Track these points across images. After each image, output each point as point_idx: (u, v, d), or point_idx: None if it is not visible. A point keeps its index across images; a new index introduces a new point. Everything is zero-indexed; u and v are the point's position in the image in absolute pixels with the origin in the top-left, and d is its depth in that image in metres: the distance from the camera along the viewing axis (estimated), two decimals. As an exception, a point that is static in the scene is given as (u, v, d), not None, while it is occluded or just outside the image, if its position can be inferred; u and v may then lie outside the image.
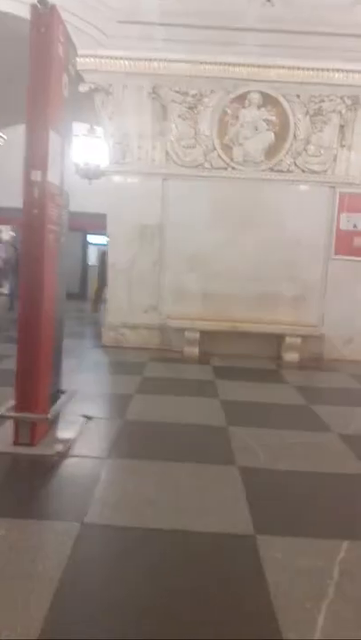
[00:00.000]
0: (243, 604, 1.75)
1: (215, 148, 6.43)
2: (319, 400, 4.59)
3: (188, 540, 2.12)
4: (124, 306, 6.66)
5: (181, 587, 1.81)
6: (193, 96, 6.28)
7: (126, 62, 6.07)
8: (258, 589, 1.81)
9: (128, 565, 1.92)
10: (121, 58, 6.03)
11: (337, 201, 6.50)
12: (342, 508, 2.51)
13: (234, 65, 6.14)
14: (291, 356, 6.34)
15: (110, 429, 3.46)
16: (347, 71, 6.09)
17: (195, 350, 6.36)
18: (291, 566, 1.96)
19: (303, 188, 6.55)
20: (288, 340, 6.34)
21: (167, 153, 6.44)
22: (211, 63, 6.11)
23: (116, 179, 6.56)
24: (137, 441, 3.30)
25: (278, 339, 6.46)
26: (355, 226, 6.52)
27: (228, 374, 5.43)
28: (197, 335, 6.35)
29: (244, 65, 6.13)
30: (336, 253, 6.55)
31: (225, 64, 6.13)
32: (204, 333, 6.36)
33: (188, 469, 2.84)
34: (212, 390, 4.70)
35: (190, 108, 6.33)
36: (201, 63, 6.10)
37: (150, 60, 6.04)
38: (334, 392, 5.08)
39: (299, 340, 6.34)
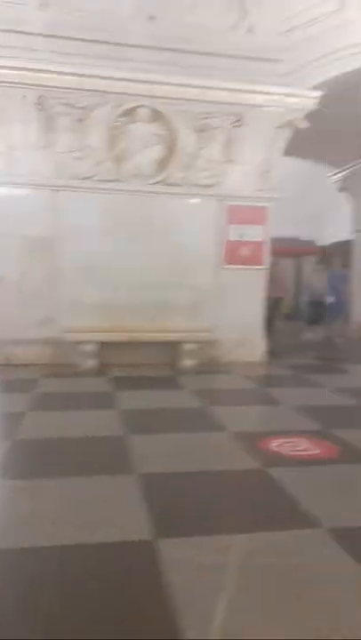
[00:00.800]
0: (141, 607, 1.74)
1: (105, 161, 6.45)
2: (214, 402, 4.76)
3: (87, 552, 2.08)
4: (14, 321, 6.37)
5: (82, 599, 1.77)
6: (81, 108, 6.25)
7: (9, 72, 5.89)
8: (157, 591, 1.81)
9: (28, 584, 1.84)
10: (4, 67, 5.84)
11: (225, 213, 6.83)
12: (238, 503, 2.62)
13: (121, 80, 6.21)
14: (188, 362, 6.51)
15: (-2, 451, 3.27)
16: (230, 90, 6.42)
17: (93, 362, 6.28)
18: (190, 565, 1.99)
19: (193, 200, 6.80)
20: (185, 346, 6.51)
21: (57, 164, 6.33)
22: (98, 77, 6.12)
23: (2, 191, 6.32)
24: (30, 460, 3.17)
25: (175, 346, 6.60)
26: (242, 236, 6.90)
27: (127, 384, 5.43)
28: (96, 347, 6.28)
29: (131, 80, 6.22)
30: (226, 263, 6.88)
31: (112, 78, 6.17)
32: (102, 345, 6.31)
33: (87, 483, 2.79)
34: (111, 401, 4.67)
35: (79, 120, 6.29)
36: (88, 77, 6.08)
37: (35, 70, 5.91)
38: (228, 393, 5.31)
39: (195, 346, 6.54)
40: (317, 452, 3.36)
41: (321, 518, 2.37)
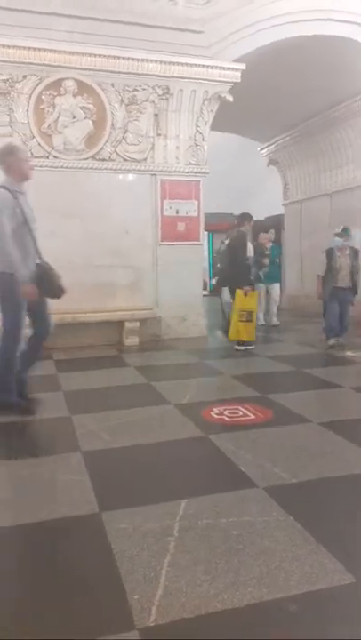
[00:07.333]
0: (90, 577, 1.81)
1: (34, 137, 6.24)
2: (158, 377, 4.86)
3: (34, 530, 2.12)
4: None
5: (32, 574, 1.83)
6: (4, 82, 6.00)
7: None
8: (104, 561, 1.88)
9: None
10: None
11: (159, 188, 6.81)
12: (180, 471, 2.72)
13: (44, 50, 6.00)
14: (131, 340, 6.56)
15: None
16: (156, 62, 6.34)
17: (34, 346, 6.17)
18: (135, 533, 2.06)
19: (126, 176, 6.72)
20: (127, 325, 6.54)
21: (-19, 141, 6.06)
22: (19, 47, 5.88)
23: None
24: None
25: (118, 325, 6.61)
26: (177, 212, 6.91)
27: (70, 366, 5.40)
28: (35, 330, 6.17)
29: (55, 51, 6.03)
30: (162, 239, 6.89)
31: (35, 49, 5.95)
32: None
33: (32, 463, 2.81)
34: (55, 384, 4.64)
35: (3, 94, 6.03)
36: (9, 47, 5.83)
37: None
38: (171, 368, 5.41)
39: (137, 324, 6.58)
40: (254, 417, 3.54)
41: (257, 478, 2.53)
